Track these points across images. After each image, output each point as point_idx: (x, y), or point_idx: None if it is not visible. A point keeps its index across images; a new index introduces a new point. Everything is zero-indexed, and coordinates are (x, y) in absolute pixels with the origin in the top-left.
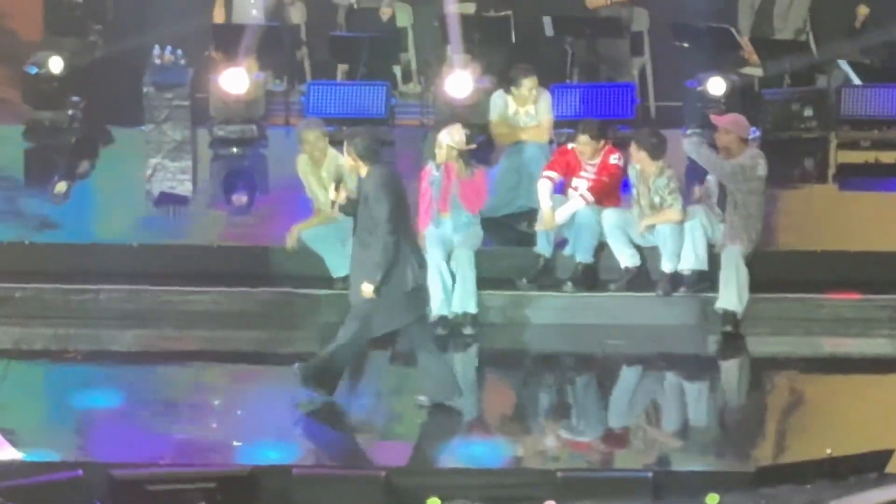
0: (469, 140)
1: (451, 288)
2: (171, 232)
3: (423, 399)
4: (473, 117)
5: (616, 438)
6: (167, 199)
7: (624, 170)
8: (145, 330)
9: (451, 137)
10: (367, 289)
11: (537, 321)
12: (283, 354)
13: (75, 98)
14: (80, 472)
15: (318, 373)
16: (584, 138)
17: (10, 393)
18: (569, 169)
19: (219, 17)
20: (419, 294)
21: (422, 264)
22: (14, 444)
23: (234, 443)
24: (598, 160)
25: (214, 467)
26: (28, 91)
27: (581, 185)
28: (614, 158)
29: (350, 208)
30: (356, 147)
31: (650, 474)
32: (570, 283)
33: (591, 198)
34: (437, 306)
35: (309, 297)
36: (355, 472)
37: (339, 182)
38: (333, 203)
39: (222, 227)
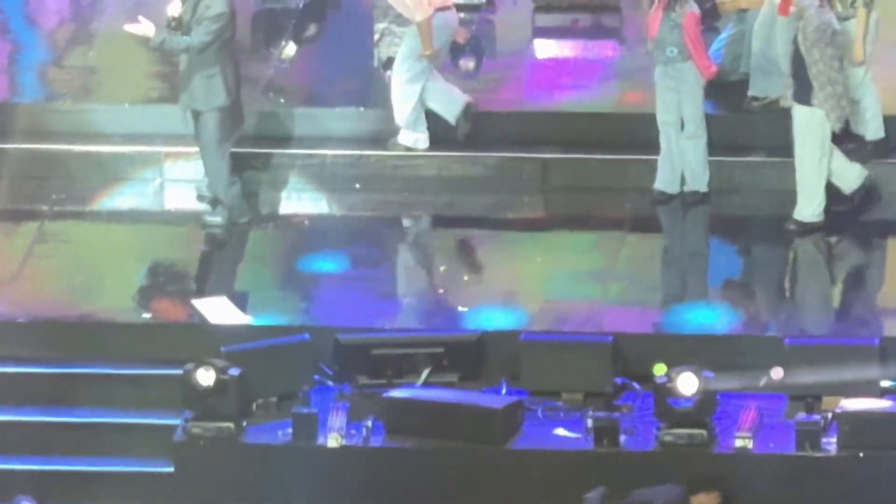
0: None
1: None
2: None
3: None
4: None
5: (842, 306)
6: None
7: None
8: (372, 195)
9: None
10: None
11: (767, 186)
12: (511, 219)
13: None
14: (307, 336)
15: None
16: None
17: (240, 258)
18: None
19: None
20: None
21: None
22: (243, 308)
23: (461, 308)
24: None
25: (441, 332)
26: None
27: None
28: None
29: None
30: None
31: (876, 341)
32: None
33: None
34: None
35: (535, 160)
36: (582, 338)
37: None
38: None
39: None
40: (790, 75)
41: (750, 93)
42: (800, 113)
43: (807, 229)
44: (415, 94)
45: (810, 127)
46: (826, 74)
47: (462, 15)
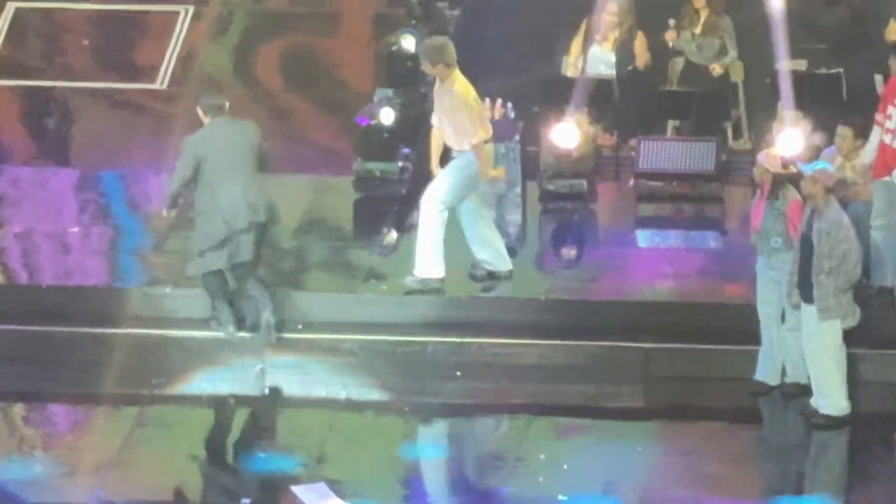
0: (786, 166)
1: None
2: (499, 284)
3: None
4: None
5: None
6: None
7: None
8: (472, 382)
9: (767, 160)
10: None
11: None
12: (611, 408)
13: (405, 150)
14: None
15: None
16: None
17: (338, 444)
18: None
19: (572, 72)
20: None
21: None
22: (340, 494)
23: (560, 497)
24: None
25: None
26: (359, 142)
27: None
28: None
29: None
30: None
31: None
32: None
33: None
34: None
35: (636, 349)
36: None
37: None
38: None
39: (550, 280)
40: None
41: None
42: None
43: None
44: (442, 226)
45: None
46: None
47: (564, 203)
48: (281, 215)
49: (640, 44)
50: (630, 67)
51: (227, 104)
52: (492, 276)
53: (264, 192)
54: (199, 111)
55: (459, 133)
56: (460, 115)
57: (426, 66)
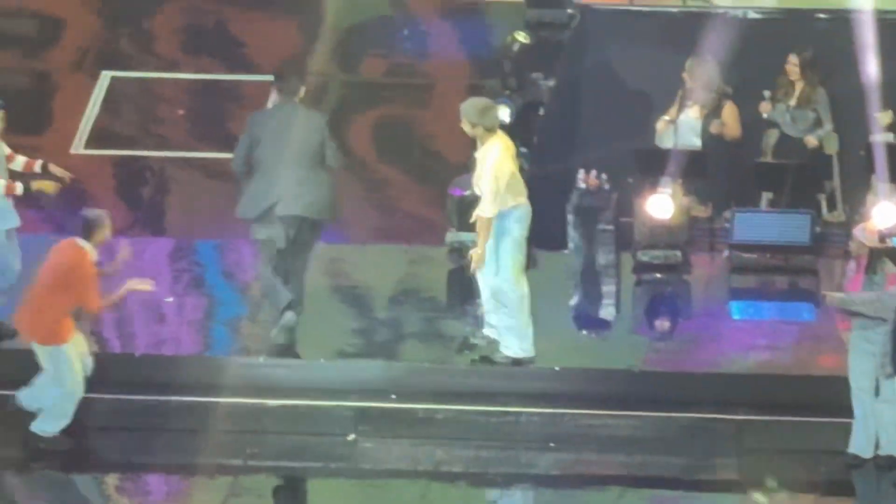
0: (883, 240)
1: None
2: (593, 356)
3: None
4: None
5: None
6: (590, 324)
7: None
8: (565, 453)
9: (864, 234)
10: None
11: None
12: (704, 480)
13: None
14: None
15: None
16: None
17: None
18: None
19: (666, 142)
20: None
21: None
22: None
23: None
24: None
25: None
26: (452, 212)
27: None
28: None
29: None
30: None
31: None
32: None
33: None
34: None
35: (729, 422)
36: None
37: None
38: None
39: (644, 352)
40: None
41: None
42: None
43: None
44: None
45: None
46: None
47: (658, 274)
48: (339, 212)
49: (729, 114)
50: (710, 133)
51: (303, 90)
52: (485, 359)
53: (325, 187)
54: (273, 89)
55: (481, 199)
56: (482, 183)
57: (466, 126)
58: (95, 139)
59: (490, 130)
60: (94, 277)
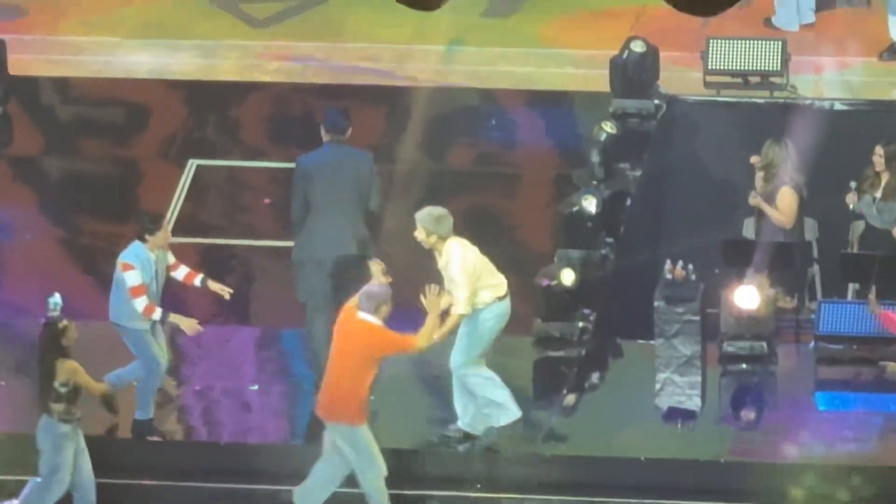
0: None
1: None
2: (678, 447)
3: None
4: None
5: None
6: (675, 414)
7: None
8: None
9: None
10: None
11: None
12: None
13: (586, 310)
14: None
15: None
16: None
17: None
18: None
19: (753, 233)
20: None
21: None
22: None
23: None
24: None
25: None
26: (539, 302)
27: None
28: None
29: None
30: None
31: None
32: None
33: None
34: None
35: None
36: None
37: None
38: None
39: (730, 443)
40: None
41: None
42: None
43: None
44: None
45: None
46: None
47: (743, 365)
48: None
49: (783, 199)
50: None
51: (350, 130)
52: (468, 437)
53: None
54: (322, 129)
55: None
56: (454, 287)
57: (421, 233)
58: (181, 227)
59: (444, 238)
60: (393, 337)
